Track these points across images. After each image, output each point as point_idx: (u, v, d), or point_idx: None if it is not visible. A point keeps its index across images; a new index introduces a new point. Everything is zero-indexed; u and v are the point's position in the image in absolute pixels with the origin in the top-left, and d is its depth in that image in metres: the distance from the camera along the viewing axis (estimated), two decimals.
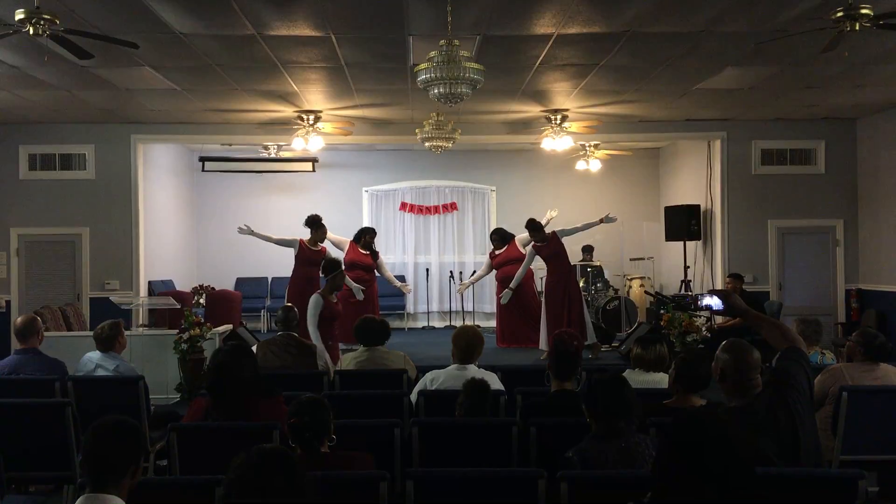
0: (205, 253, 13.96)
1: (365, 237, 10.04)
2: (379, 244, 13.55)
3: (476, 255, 13.91)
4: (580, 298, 9.26)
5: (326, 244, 9.49)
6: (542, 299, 9.79)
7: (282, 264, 13.55)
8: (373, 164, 14.12)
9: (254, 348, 5.68)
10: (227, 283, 13.55)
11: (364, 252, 9.93)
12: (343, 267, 7.55)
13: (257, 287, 13.78)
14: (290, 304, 6.53)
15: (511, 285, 9.85)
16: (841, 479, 2.96)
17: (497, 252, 10.51)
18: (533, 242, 9.54)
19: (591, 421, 3.20)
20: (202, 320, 8.08)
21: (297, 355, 5.95)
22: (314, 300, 7.02)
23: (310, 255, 9.19)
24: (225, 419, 3.78)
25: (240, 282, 13.80)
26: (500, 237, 10.54)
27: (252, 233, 9.43)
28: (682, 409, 3.78)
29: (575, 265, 12.12)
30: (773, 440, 2.92)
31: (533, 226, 9.45)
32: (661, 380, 4.79)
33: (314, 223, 9.26)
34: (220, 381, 3.81)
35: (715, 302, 3.29)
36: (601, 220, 9.78)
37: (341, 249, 9.85)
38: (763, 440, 2.88)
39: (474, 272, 12.16)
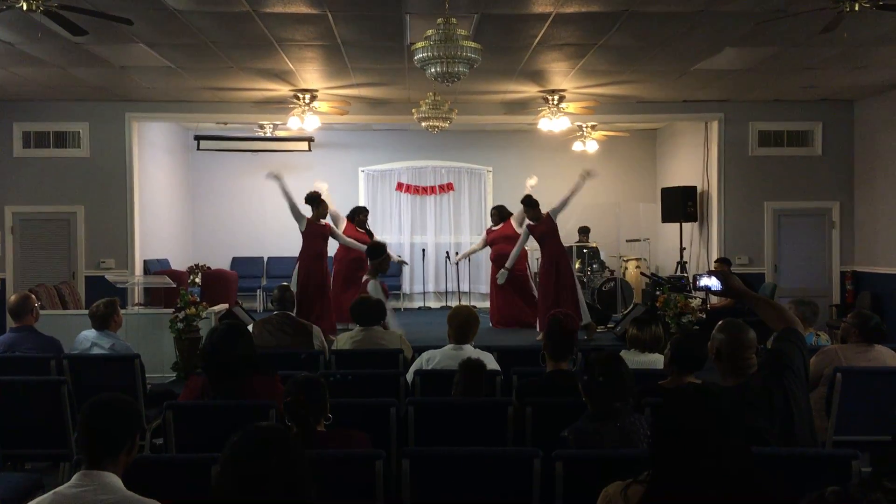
0: (200, 232, 13.93)
1: (359, 216, 10.10)
2: (375, 224, 13.57)
3: (472, 235, 13.90)
4: (572, 279, 9.23)
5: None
6: (537, 280, 9.83)
7: (278, 244, 13.58)
8: (369, 143, 14.07)
9: (250, 327, 5.67)
10: (222, 263, 13.55)
11: (360, 231, 9.98)
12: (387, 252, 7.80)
13: (253, 267, 13.77)
14: (286, 284, 6.54)
15: (506, 265, 9.88)
16: (834, 459, 2.98)
17: (494, 228, 10.57)
18: (528, 222, 9.55)
19: (587, 400, 3.21)
20: (198, 299, 8.06)
21: (292, 335, 5.95)
22: (373, 286, 7.28)
23: (317, 230, 9.19)
24: (221, 398, 3.79)
25: (236, 261, 13.79)
26: (499, 213, 10.60)
27: (279, 180, 9.26)
28: (676, 388, 3.79)
29: (570, 246, 12.20)
30: (768, 419, 2.93)
31: (528, 202, 9.47)
32: (656, 360, 4.80)
33: (314, 200, 9.25)
34: (216, 359, 3.82)
35: (713, 283, 3.29)
36: (582, 178, 9.45)
37: (336, 225, 9.86)
38: (757, 419, 2.90)
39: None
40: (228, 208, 13.95)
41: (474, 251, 11.29)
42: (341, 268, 9.84)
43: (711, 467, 1.97)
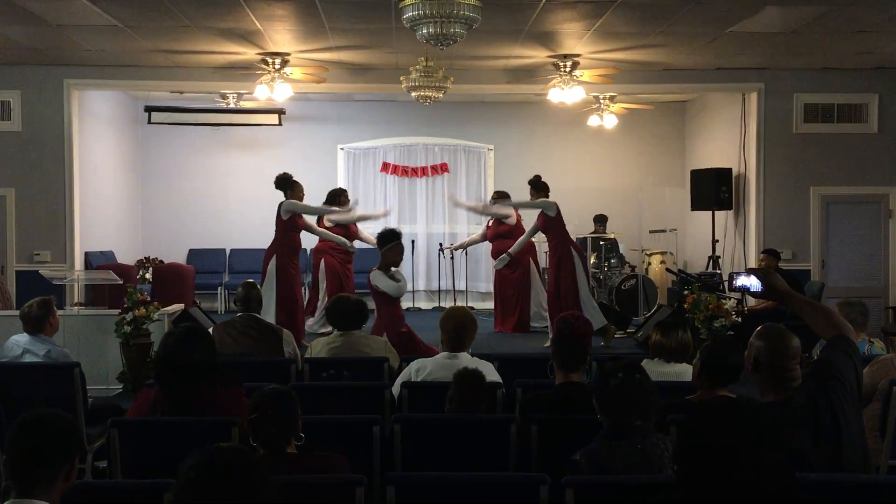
0: (152, 220, 13.90)
1: (340, 198, 10.20)
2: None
3: (469, 225, 13.89)
4: (571, 275, 9.23)
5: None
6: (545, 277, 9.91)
7: (242, 235, 13.56)
8: (350, 117, 14.05)
9: (209, 331, 5.67)
10: (177, 256, 13.53)
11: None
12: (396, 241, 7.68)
13: (213, 260, 13.76)
14: (251, 281, 6.55)
15: (510, 250, 9.96)
16: (889, 487, 2.99)
17: (491, 223, 10.65)
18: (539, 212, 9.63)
19: (603, 417, 3.21)
20: (148, 298, 8.08)
21: (258, 339, 5.96)
22: (377, 276, 7.28)
23: (295, 221, 9.25)
24: (175, 413, 3.80)
25: (193, 254, 13.79)
26: (499, 200, 10.61)
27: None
28: (706, 402, 3.80)
29: (585, 237, 12.22)
30: (812, 440, 2.94)
31: (535, 184, 9.52)
32: (683, 371, 4.82)
33: (286, 182, 9.26)
34: (171, 368, 3.83)
35: (752, 282, 3.29)
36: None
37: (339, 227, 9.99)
38: (799, 438, 2.90)
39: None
40: (185, 192, 13.91)
41: (473, 242, 11.40)
42: (334, 262, 9.92)
43: (747, 482, 1.97)
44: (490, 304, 12.64)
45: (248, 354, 5.82)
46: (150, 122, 12.98)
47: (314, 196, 10.59)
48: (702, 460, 2.03)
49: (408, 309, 13.58)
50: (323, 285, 10.06)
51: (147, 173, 13.96)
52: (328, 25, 8.73)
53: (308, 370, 5.40)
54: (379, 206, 13.98)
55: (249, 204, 13.28)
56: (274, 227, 9.25)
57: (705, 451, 2.03)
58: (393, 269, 7.49)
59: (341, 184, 13.60)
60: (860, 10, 8.16)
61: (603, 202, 13.35)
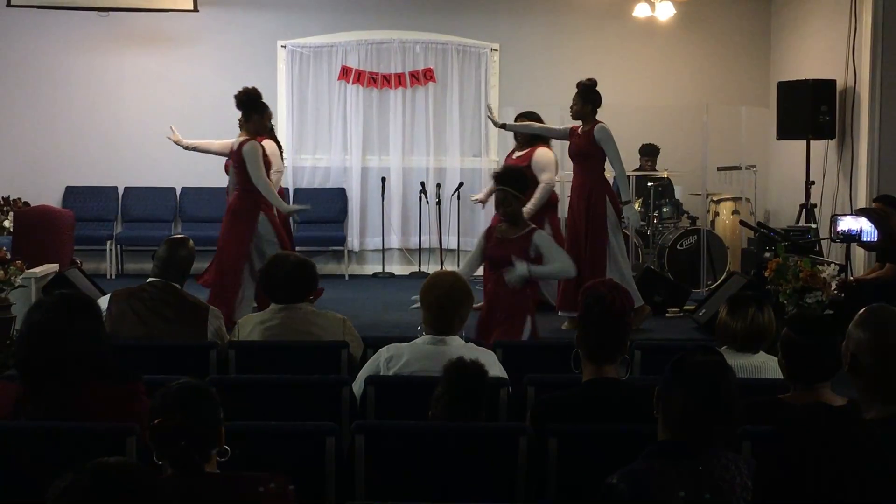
0: (13, 144, 13.79)
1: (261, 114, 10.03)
2: (305, 134, 13.55)
3: (465, 156, 13.82)
4: (601, 232, 9.21)
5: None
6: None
7: (140, 167, 13.50)
8: (296, 1, 13.93)
9: (102, 302, 5.67)
10: (49, 197, 13.43)
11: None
12: None
13: (100, 203, 13.68)
14: (181, 237, 6.45)
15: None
16: None
17: (516, 155, 10.42)
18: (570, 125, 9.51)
19: (665, 427, 3.20)
20: (8, 256, 8.09)
21: (175, 322, 5.93)
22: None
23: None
24: (47, 417, 3.80)
25: (71, 194, 13.71)
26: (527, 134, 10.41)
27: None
28: (805, 408, 3.81)
29: (627, 176, 12.11)
30: None
31: (588, 92, 9.30)
32: (763, 365, 4.88)
33: (251, 103, 8.95)
34: (40, 354, 3.83)
35: (864, 227, 3.30)
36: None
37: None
38: None
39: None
40: (60, 105, 13.80)
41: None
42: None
43: None
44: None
45: (156, 338, 5.80)
46: (9, 5, 12.87)
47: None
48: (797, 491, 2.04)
49: (375, 275, 13.63)
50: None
51: (6, 78, 13.83)
52: None
53: (235, 358, 5.40)
54: (335, 131, 13.90)
55: (152, 124, 13.16)
56: None
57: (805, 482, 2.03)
58: None
59: (283, 94, 13.57)
60: None
61: (652, 127, 13.29)
